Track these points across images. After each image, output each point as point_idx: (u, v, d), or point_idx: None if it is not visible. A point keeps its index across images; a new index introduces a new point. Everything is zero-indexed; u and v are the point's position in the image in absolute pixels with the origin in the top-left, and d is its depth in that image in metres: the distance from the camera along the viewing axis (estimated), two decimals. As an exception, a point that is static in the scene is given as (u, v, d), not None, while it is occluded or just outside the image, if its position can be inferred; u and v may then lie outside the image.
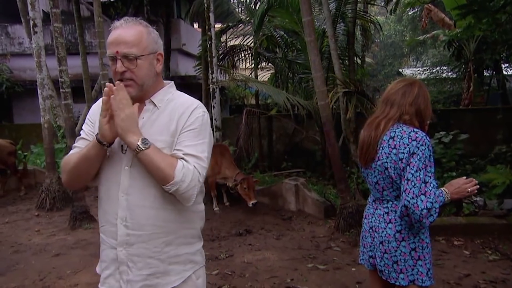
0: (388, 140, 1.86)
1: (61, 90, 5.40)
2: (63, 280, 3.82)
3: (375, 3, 9.40)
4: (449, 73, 13.97)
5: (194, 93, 12.45)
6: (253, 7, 9.39)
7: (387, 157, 1.85)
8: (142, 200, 1.47)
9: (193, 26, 15.00)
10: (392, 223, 1.89)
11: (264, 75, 11.73)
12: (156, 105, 1.52)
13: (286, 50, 9.14)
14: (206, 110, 1.54)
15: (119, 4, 11.36)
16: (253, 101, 15.58)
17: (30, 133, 10.39)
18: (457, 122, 8.32)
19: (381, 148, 1.88)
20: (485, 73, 12.41)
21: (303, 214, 5.75)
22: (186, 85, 11.97)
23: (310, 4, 4.48)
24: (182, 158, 1.44)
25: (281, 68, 9.89)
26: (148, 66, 1.47)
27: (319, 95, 4.60)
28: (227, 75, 10.12)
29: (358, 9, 7.59)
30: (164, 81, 1.61)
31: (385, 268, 1.91)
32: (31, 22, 5.77)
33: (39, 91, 6.03)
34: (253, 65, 10.63)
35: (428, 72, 15.57)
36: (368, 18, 7.92)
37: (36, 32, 5.79)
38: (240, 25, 9.44)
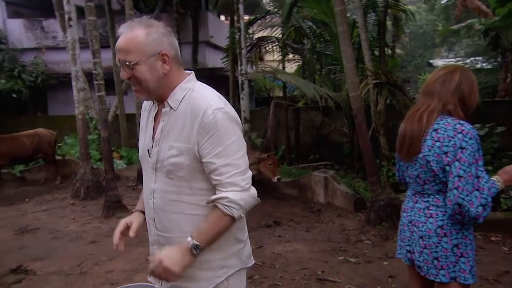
0: (431, 133, 1.81)
1: (94, 82, 5.53)
2: (99, 266, 3.95)
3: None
4: (484, 64, 13.46)
5: (221, 85, 12.54)
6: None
7: (430, 150, 1.80)
8: (165, 205, 1.49)
9: (220, 18, 15.03)
10: (433, 217, 1.84)
11: (291, 67, 11.64)
12: (171, 107, 1.47)
13: (314, 41, 9.02)
14: (219, 105, 1.42)
15: (148, -3, 11.51)
16: (279, 94, 15.55)
17: (63, 124, 10.72)
18: (493, 114, 8.00)
19: (423, 141, 1.83)
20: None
21: (332, 206, 5.71)
22: (213, 77, 12.03)
23: (342, -7, 4.39)
24: (219, 198, 1.41)
25: (309, 60, 9.79)
26: (149, 70, 1.41)
27: (351, 86, 4.52)
28: (254, 66, 10.11)
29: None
30: (186, 72, 1.54)
31: (424, 264, 1.87)
32: (66, 16, 5.92)
33: (73, 83, 6.20)
34: (279, 57, 10.60)
35: (462, 63, 15.03)
36: (400, 7, 7.68)
37: (71, 26, 5.94)
38: (268, 16, 9.36)
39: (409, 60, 18.06)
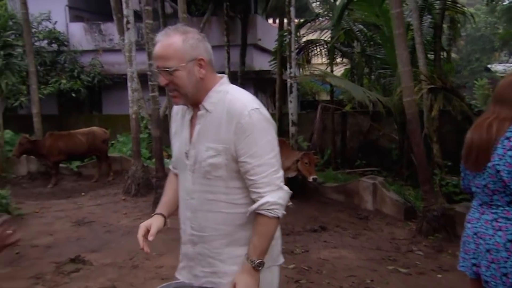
0: (503, 141, 1.70)
1: (149, 83, 5.74)
2: (150, 261, 4.09)
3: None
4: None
5: (267, 88, 12.62)
6: (333, 0, 9.20)
7: (500, 159, 1.70)
8: (202, 205, 1.54)
9: (267, 21, 15.11)
10: (502, 230, 1.74)
11: (339, 70, 11.48)
12: (207, 110, 1.51)
13: (365, 44, 8.83)
14: (254, 106, 1.47)
15: (199, 1, 11.78)
16: (325, 97, 15.36)
17: (116, 123, 11.21)
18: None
19: (493, 150, 1.73)
20: None
21: (381, 214, 5.55)
22: (259, 79, 12.12)
23: (399, -5, 4.27)
24: (259, 206, 1.45)
25: (358, 63, 9.60)
26: (187, 75, 1.46)
27: (405, 91, 4.38)
28: (301, 70, 10.06)
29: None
30: (218, 76, 1.58)
31: (491, 279, 1.76)
32: (125, 20, 6.20)
33: (128, 84, 6.47)
34: (326, 60, 10.47)
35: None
36: (459, 9, 7.35)
37: (129, 29, 6.22)
38: (318, 19, 9.29)
39: (464, 64, 17.21)
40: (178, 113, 1.67)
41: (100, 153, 8.16)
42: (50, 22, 12.35)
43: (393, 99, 7.18)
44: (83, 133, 8.13)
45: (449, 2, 7.18)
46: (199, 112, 1.53)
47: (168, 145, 10.07)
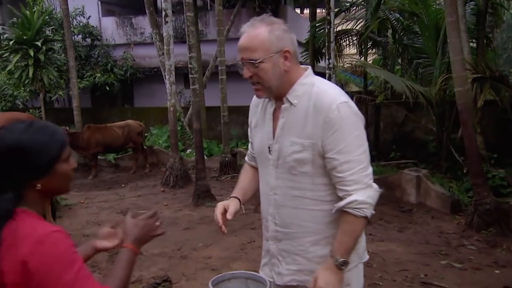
0: None
1: (190, 76, 5.77)
2: (197, 252, 4.13)
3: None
4: None
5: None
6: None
7: None
8: (286, 201, 1.50)
9: (302, 12, 14.92)
10: None
11: (368, 60, 11.25)
12: (292, 103, 1.47)
13: (401, 33, 8.59)
14: (342, 99, 1.41)
15: (230, -7, 11.77)
16: (353, 88, 15.09)
17: (148, 116, 11.37)
18: None
19: None
20: None
21: (425, 207, 5.41)
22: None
23: (452, -20, 4.11)
24: (347, 205, 1.39)
25: (392, 53, 9.36)
26: (272, 68, 1.42)
27: (457, 80, 4.23)
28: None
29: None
30: (302, 67, 1.52)
31: None
32: (163, 13, 6.23)
33: (167, 77, 6.53)
34: (356, 50, 10.25)
35: None
36: (504, -6, 7.04)
37: (167, 22, 6.25)
38: (353, 8, 9.09)
39: (499, 52, 16.51)
40: (259, 105, 1.63)
41: (136, 145, 8.29)
42: (83, 17, 12.59)
43: (433, 89, 6.98)
44: (119, 126, 8.28)
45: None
46: (283, 106, 1.49)
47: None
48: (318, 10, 10.10)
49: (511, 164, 6.70)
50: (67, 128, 8.01)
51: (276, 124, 1.51)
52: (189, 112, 10.22)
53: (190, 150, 9.01)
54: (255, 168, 1.71)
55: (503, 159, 6.85)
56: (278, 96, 1.50)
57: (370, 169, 1.44)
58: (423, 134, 8.79)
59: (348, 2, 9.31)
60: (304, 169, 1.45)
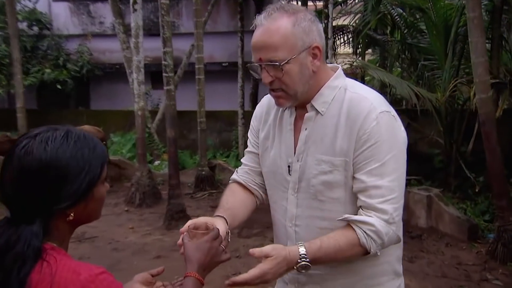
0: None
1: (164, 74, 5.56)
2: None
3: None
4: None
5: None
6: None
7: None
8: (311, 234, 1.35)
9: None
10: None
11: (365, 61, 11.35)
12: (318, 111, 1.36)
13: (405, 31, 8.64)
14: (383, 107, 1.31)
15: (207, -20, 11.62)
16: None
17: (108, 120, 11.03)
18: None
19: None
20: None
21: (437, 232, 5.35)
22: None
23: (476, -29, 4.08)
24: (359, 222, 1.27)
25: (392, 53, 9.43)
26: (299, 70, 1.30)
27: (479, 86, 4.21)
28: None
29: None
30: (329, 66, 1.41)
31: None
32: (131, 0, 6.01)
33: (134, 75, 6.31)
34: (352, 49, 10.29)
35: None
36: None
37: (136, 10, 6.04)
38: (350, 1, 9.13)
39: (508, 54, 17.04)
40: (270, 112, 1.51)
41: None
42: (29, 1, 12.14)
43: (441, 95, 7.01)
44: (74, 132, 7.92)
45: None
46: (307, 114, 1.37)
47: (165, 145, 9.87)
48: (309, 3, 10.07)
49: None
50: (8, 134, 7.61)
51: (298, 137, 1.39)
52: (157, 117, 9.98)
53: (159, 162, 8.74)
54: (248, 190, 1.56)
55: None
56: (302, 102, 1.37)
57: (402, 202, 1.32)
58: (427, 147, 8.81)
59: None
60: (335, 194, 1.33)
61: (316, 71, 1.33)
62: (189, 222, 1.32)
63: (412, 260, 4.62)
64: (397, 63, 10.80)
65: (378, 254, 1.30)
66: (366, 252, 1.29)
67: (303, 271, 1.25)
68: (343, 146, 1.30)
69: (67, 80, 11.64)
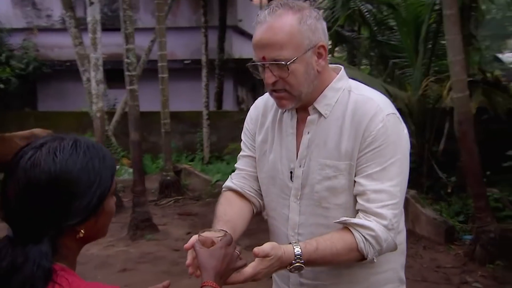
0: None
1: (126, 73, 5.45)
2: (142, 303, 3.82)
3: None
4: None
5: (248, 80, 12.42)
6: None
7: None
8: None
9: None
10: None
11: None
12: (322, 114, 1.38)
13: (375, 28, 8.86)
14: (389, 109, 1.35)
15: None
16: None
17: (58, 123, 10.65)
18: None
19: None
20: None
21: (414, 235, 5.50)
22: (242, 70, 11.95)
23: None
24: (359, 225, 1.29)
25: (362, 50, 9.64)
26: (304, 69, 1.31)
27: (456, 85, 4.38)
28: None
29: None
30: (331, 67, 1.43)
31: None
32: (87, -9, 5.87)
33: (92, 74, 6.17)
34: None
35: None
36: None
37: (93, 3, 5.90)
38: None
39: (484, 53, 17.80)
40: (267, 115, 1.51)
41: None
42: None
43: (414, 94, 7.24)
44: (22, 136, 7.60)
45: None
46: (309, 117, 1.39)
47: (128, 149, 9.69)
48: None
49: (501, 182, 7.08)
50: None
51: (300, 141, 1.40)
52: (114, 119, 9.79)
53: (118, 167, 8.55)
54: (244, 198, 1.54)
55: (491, 176, 7.25)
56: (304, 104, 1.38)
57: (401, 209, 1.35)
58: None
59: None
60: (339, 200, 1.35)
61: (321, 71, 1.35)
62: (195, 237, 1.28)
63: (391, 264, 4.75)
64: (365, 60, 11.08)
65: (375, 261, 1.31)
66: (362, 258, 1.30)
67: (296, 272, 1.26)
68: (348, 149, 1.32)
69: (10, 78, 11.21)
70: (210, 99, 10.00)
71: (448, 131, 6.95)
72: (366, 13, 8.90)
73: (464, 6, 7.43)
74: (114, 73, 10.21)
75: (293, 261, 1.23)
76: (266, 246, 1.22)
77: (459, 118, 4.50)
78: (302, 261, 1.23)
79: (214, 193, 7.44)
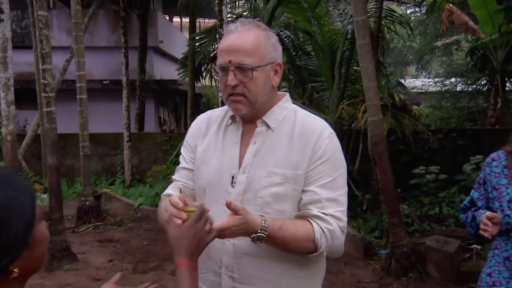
0: None
1: (43, 94, 5.13)
2: None
3: (404, 2, 9.70)
4: (465, 86, 14.49)
5: (170, 101, 12.30)
6: (255, 0, 9.44)
7: None
8: (252, 248, 1.43)
9: (171, 20, 14.86)
10: None
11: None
12: (270, 127, 1.49)
13: (294, 54, 9.18)
14: (331, 130, 1.52)
15: (83, -10, 11.10)
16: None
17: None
18: (487, 143, 8.54)
19: None
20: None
21: (335, 252, 5.68)
22: (162, 91, 11.78)
23: (364, 1, 4.52)
24: (317, 217, 1.41)
25: (283, 74, 9.91)
26: (264, 80, 1.44)
27: (371, 109, 4.62)
28: (214, 81, 10.05)
29: (384, 7, 7.75)
30: (279, 93, 1.57)
31: None
32: (-4, 8, 5.48)
33: (2, 94, 5.72)
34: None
35: (440, 84, 16.11)
36: (397, 18, 8.12)
37: (3, 20, 5.51)
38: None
39: (390, 79, 19.03)
40: (211, 126, 1.59)
41: None
42: None
43: (331, 116, 7.54)
44: None
45: (386, 10, 7.87)
46: (258, 129, 1.50)
47: (39, 174, 9.07)
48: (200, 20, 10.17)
49: (409, 198, 7.56)
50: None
51: (245, 150, 1.49)
52: (25, 142, 9.18)
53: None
54: None
55: (400, 193, 7.71)
56: (254, 116, 1.49)
57: (346, 218, 1.47)
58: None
59: (234, 14, 9.60)
60: (282, 206, 1.43)
61: (275, 87, 1.50)
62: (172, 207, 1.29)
63: (316, 282, 4.84)
64: (285, 83, 11.41)
65: (324, 254, 1.45)
66: (314, 250, 1.39)
67: (258, 242, 1.34)
68: (296, 160, 1.43)
69: None
70: (131, 121, 9.72)
71: (362, 152, 7.29)
72: (285, 39, 9.18)
73: (373, 35, 7.95)
74: (23, 93, 9.58)
75: (258, 230, 1.32)
76: (239, 204, 1.32)
77: (375, 140, 4.75)
78: (266, 233, 1.32)
79: (137, 217, 7.18)
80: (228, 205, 1.29)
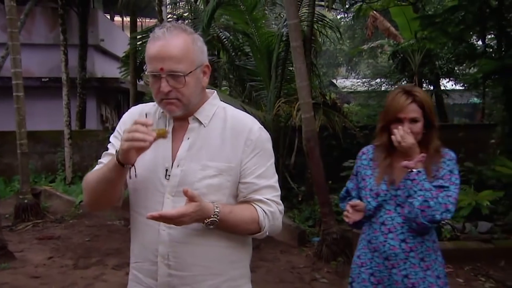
0: None
1: (14, 93, 4.80)
2: None
3: (334, 8, 9.95)
4: (389, 86, 15.20)
5: (112, 99, 11.87)
6: (196, 2, 9.32)
7: None
8: (186, 236, 1.45)
9: (112, 19, 14.35)
10: None
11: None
12: (201, 123, 1.51)
13: (234, 54, 9.17)
14: (259, 125, 1.56)
15: (19, -14, 10.42)
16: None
17: None
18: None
19: None
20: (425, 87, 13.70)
21: (273, 241, 5.74)
22: (104, 89, 11.36)
23: (297, 6, 4.59)
24: (259, 201, 1.48)
25: (223, 73, 9.89)
26: (195, 83, 1.45)
27: (304, 107, 4.72)
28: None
29: (316, 12, 7.93)
30: (207, 90, 1.59)
31: None
32: None
33: None
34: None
35: (367, 84, 16.77)
36: (328, 23, 8.33)
37: None
38: (180, 22, 9.25)
39: (322, 79, 19.53)
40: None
41: None
42: None
43: (268, 114, 7.63)
44: None
45: (318, 15, 8.05)
46: (191, 125, 1.51)
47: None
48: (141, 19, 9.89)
49: (339, 189, 7.79)
50: None
51: (178, 145, 1.49)
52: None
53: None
54: None
55: (331, 184, 7.96)
56: (186, 114, 1.49)
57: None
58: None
59: (175, 15, 9.43)
60: (216, 197, 1.45)
61: (205, 87, 1.52)
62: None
63: (253, 270, 4.80)
64: (225, 82, 11.40)
65: (267, 234, 1.50)
66: (258, 231, 1.47)
67: (211, 226, 1.38)
68: (229, 154, 1.47)
69: None
70: (72, 118, 9.30)
71: (298, 147, 7.44)
72: (225, 40, 9.17)
73: (306, 38, 8.12)
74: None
75: (212, 215, 1.37)
76: (194, 191, 1.35)
77: (307, 135, 4.85)
78: (219, 217, 1.38)
79: (78, 214, 6.89)
80: (185, 193, 1.32)
